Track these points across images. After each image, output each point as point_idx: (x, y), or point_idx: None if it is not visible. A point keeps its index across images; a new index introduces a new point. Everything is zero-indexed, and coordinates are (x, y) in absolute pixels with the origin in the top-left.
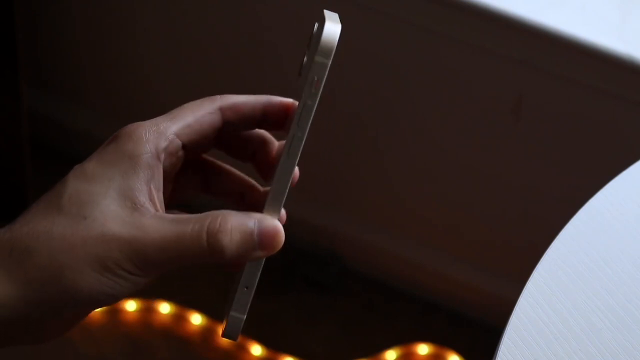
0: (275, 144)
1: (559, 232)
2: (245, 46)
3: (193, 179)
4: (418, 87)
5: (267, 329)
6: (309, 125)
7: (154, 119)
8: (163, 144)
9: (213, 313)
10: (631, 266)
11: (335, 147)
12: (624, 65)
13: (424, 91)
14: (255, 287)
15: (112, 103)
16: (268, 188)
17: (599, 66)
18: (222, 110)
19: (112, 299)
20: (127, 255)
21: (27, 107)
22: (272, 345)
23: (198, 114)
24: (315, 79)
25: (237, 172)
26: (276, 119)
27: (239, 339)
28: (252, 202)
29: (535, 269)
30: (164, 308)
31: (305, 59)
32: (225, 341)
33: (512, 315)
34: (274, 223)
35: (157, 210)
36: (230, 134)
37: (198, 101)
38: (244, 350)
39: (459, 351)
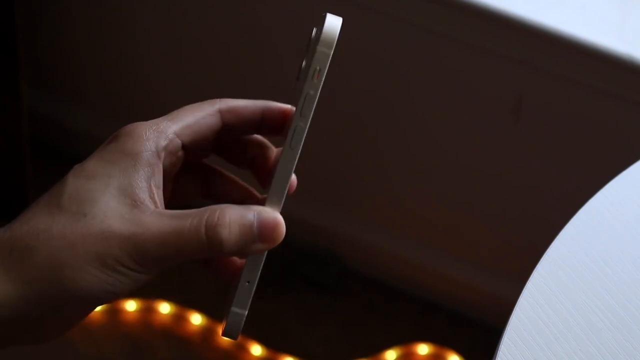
0: (274, 150)
1: (559, 232)
2: (245, 46)
3: (193, 182)
4: (418, 87)
5: (267, 329)
6: (312, 115)
7: (154, 119)
8: (163, 142)
9: (213, 313)
10: (631, 266)
11: (335, 147)
12: (624, 65)
13: (424, 91)
14: (257, 281)
15: (112, 103)
16: (266, 196)
17: (599, 66)
18: (221, 112)
19: (113, 296)
20: (127, 252)
21: (27, 107)
22: (272, 345)
23: (198, 115)
24: (318, 69)
25: (237, 179)
26: (274, 124)
27: (239, 338)
28: None
29: (535, 269)
30: (164, 308)
31: (303, 63)
32: (225, 341)
33: (512, 315)
34: (273, 215)
35: (157, 207)
36: (230, 138)
37: (198, 103)
38: (244, 350)
39: (459, 351)
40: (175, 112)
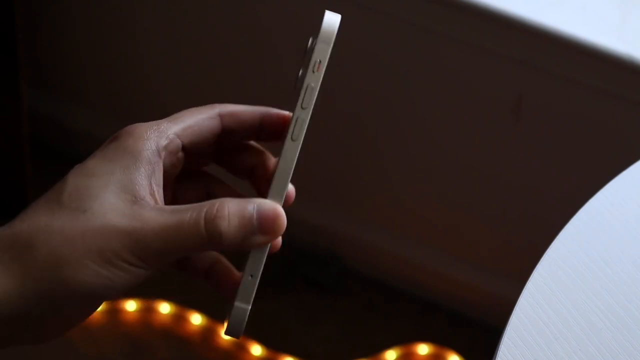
0: (273, 161)
1: (559, 232)
2: (245, 46)
3: (194, 190)
4: (418, 87)
5: (267, 329)
6: (312, 107)
7: (155, 121)
8: (164, 142)
9: (213, 313)
10: (631, 266)
11: (335, 147)
12: (624, 65)
13: (424, 91)
14: (260, 275)
15: (112, 103)
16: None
17: (599, 66)
18: (221, 116)
19: (112, 292)
20: (127, 246)
21: (27, 107)
22: (272, 345)
23: (198, 118)
24: (318, 61)
25: (236, 190)
26: (273, 130)
27: (240, 338)
28: None
29: (535, 269)
30: (164, 308)
31: (300, 72)
32: (225, 341)
33: (512, 315)
34: (273, 206)
35: (157, 204)
36: (229, 143)
37: (198, 107)
38: (244, 350)
39: (459, 351)
40: (175, 115)
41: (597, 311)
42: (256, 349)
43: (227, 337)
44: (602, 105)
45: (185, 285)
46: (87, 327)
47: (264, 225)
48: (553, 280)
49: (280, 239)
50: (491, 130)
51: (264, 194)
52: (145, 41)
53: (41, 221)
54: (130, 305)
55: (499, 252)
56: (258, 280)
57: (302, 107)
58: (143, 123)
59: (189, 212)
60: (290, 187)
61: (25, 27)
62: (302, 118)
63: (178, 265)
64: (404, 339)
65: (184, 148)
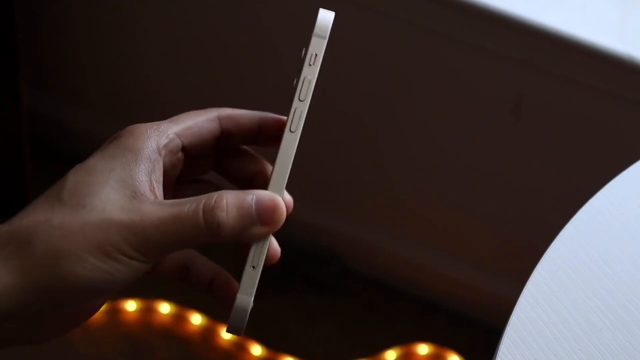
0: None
1: (559, 232)
2: (245, 46)
3: (194, 192)
4: (418, 87)
5: (267, 329)
6: (310, 100)
7: (155, 122)
8: (164, 140)
9: (213, 313)
10: (631, 266)
11: (335, 147)
12: (624, 65)
13: (424, 91)
14: (262, 267)
15: (112, 103)
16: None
17: (599, 66)
18: (220, 119)
19: (112, 286)
20: (126, 239)
21: (27, 107)
22: (272, 345)
23: (198, 119)
24: (314, 54)
25: None
26: (271, 134)
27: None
28: None
29: (535, 269)
30: (164, 308)
31: (295, 82)
32: (225, 341)
33: (512, 315)
34: (272, 196)
35: (157, 199)
36: (228, 148)
37: (197, 110)
38: (244, 350)
39: (459, 351)
40: (175, 117)
41: (597, 311)
42: (256, 349)
43: (228, 336)
44: (602, 105)
45: (185, 285)
46: (87, 327)
47: (262, 215)
48: (553, 280)
49: (279, 249)
50: (491, 130)
51: None
52: (145, 41)
53: (40, 217)
54: (130, 305)
55: (499, 252)
56: (260, 272)
57: (299, 100)
58: (143, 124)
59: (187, 204)
60: (288, 197)
61: (25, 27)
62: (300, 109)
63: (179, 277)
64: (404, 339)
65: (184, 149)
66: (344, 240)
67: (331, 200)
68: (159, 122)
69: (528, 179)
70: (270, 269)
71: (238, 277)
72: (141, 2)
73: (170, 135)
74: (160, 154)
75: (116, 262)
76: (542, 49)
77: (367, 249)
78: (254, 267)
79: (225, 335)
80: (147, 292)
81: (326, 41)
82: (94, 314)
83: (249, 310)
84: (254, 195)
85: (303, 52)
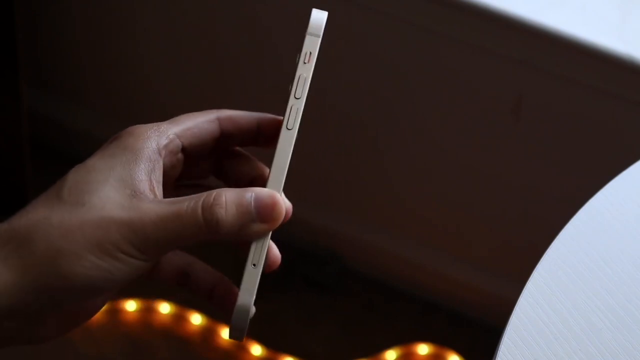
0: None
1: (559, 232)
2: (245, 46)
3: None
4: (418, 87)
5: (267, 329)
6: (305, 97)
7: (155, 122)
8: (164, 141)
9: (213, 313)
10: (631, 266)
11: (335, 147)
12: (624, 65)
13: (424, 91)
14: (262, 265)
15: (112, 103)
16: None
17: (599, 66)
18: (219, 120)
19: (111, 284)
20: (126, 237)
21: (27, 107)
22: (272, 345)
23: (197, 120)
24: (309, 52)
25: None
26: (271, 133)
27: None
28: None
29: (535, 269)
30: (164, 308)
31: (290, 84)
32: (225, 341)
33: (512, 315)
34: (271, 193)
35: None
36: (228, 150)
37: (196, 112)
38: (244, 350)
39: (459, 351)
40: (174, 118)
41: (597, 311)
42: (256, 349)
43: (230, 339)
44: (602, 105)
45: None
46: (87, 327)
47: (262, 212)
48: (553, 280)
49: (279, 255)
50: (491, 130)
51: None
52: (145, 41)
53: (40, 215)
54: (130, 305)
55: (499, 252)
56: (261, 270)
57: (295, 97)
58: (143, 124)
59: (186, 202)
60: (288, 203)
61: (25, 27)
62: (296, 107)
63: (178, 283)
64: (404, 339)
65: (184, 150)
66: (344, 240)
67: (331, 200)
68: (159, 123)
69: (528, 179)
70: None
71: (238, 277)
72: (141, 2)
73: (171, 136)
74: (160, 154)
75: (115, 260)
76: (542, 49)
77: (367, 249)
78: (254, 265)
79: (225, 335)
80: (147, 292)
81: (320, 39)
82: (94, 314)
83: (251, 311)
84: (252, 193)
85: (297, 57)
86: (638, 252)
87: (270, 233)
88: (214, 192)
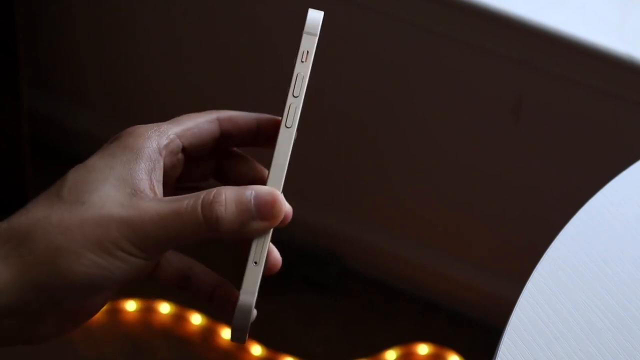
0: None
1: (559, 232)
2: (245, 46)
3: None
4: (418, 87)
5: (267, 329)
6: (304, 95)
7: (155, 123)
8: (164, 141)
9: (213, 313)
10: (631, 266)
11: (335, 147)
12: (624, 65)
13: (424, 91)
14: (264, 262)
15: (112, 103)
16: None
17: (599, 66)
18: (219, 120)
19: (111, 283)
20: (125, 235)
21: (27, 107)
22: (272, 345)
23: (198, 121)
24: (306, 51)
25: None
26: (270, 133)
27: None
28: None
29: (535, 269)
30: (164, 308)
31: (287, 91)
32: (225, 341)
33: (512, 315)
34: (271, 191)
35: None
36: (227, 151)
37: (196, 112)
38: (244, 350)
39: (459, 351)
40: (175, 118)
41: (597, 311)
42: (256, 349)
43: (229, 336)
44: (602, 105)
45: None
46: (87, 327)
47: (262, 210)
48: (553, 280)
49: (280, 258)
50: (491, 130)
51: None
52: (145, 41)
53: (40, 214)
54: (130, 305)
55: (499, 252)
56: (262, 268)
57: (294, 96)
58: (144, 125)
59: (186, 200)
60: (288, 207)
61: (25, 27)
62: (294, 105)
63: (179, 286)
64: (404, 339)
65: (184, 150)
66: (344, 240)
67: (331, 200)
68: (159, 123)
69: (528, 179)
70: None
71: (238, 278)
72: (141, 2)
73: (171, 136)
74: (160, 154)
75: (115, 258)
76: (542, 49)
77: (367, 249)
78: (256, 263)
79: (226, 335)
80: (147, 292)
81: (317, 38)
82: (94, 314)
83: (253, 313)
84: (252, 191)
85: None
86: (638, 252)
87: (272, 231)
88: (214, 190)
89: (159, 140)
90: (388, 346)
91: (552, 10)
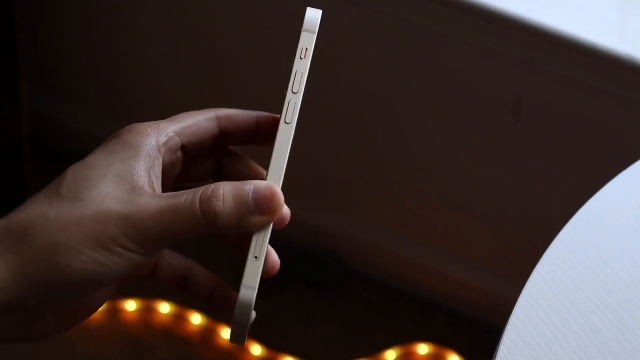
0: None
1: (559, 232)
2: (245, 46)
3: None
4: (418, 87)
5: (266, 329)
6: (303, 92)
7: (154, 121)
8: (163, 138)
9: (213, 313)
10: (631, 266)
11: (335, 147)
12: (624, 65)
13: (424, 91)
14: (264, 257)
15: (112, 103)
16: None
17: (599, 66)
18: (218, 118)
19: (109, 279)
20: (124, 231)
21: (27, 107)
22: (272, 345)
23: (197, 119)
24: (305, 48)
25: None
26: (269, 132)
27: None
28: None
29: (535, 269)
30: (164, 308)
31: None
32: (225, 341)
33: (512, 315)
34: (270, 185)
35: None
36: (226, 150)
37: (195, 111)
38: (244, 350)
39: (459, 351)
40: (174, 116)
41: (597, 311)
42: (256, 349)
43: (232, 343)
44: (602, 105)
45: None
46: (87, 327)
47: (260, 204)
48: (553, 280)
49: (278, 261)
50: (491, 130)
51: None
52: (145, 41)
53: (38, 211)
54: (130, 305)
55: (499, 252)
56: (263, 263)
57: (293, 92)
58: (143, 123)
59: (184, 195)
60: (286, 209)
61: (25, 27)
62: (294, 101)
63: (178, 286)
64: (404, 339)
65: (183, 148)
66: (344, 240)
67: (331, 200)
68: (159, 121)
69: (528, 179)
70: None
71: (237, 279)
72: (141, 2)
73: (170, 134)
74: (159, 152)
75: (113, 254)
76: (542, 49)
77: (367, 249)
78: (256, 258)
79: (225, 335)
80: (147, 292)
81: (315, 35)
82: (93, 312)
83: (254, 300)
84: (251, 185)
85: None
86: (638, 252)
87: (272, 226)
88: (213, 186)
89: (158, 138)
90: (388, 346)
91: (552, 10)
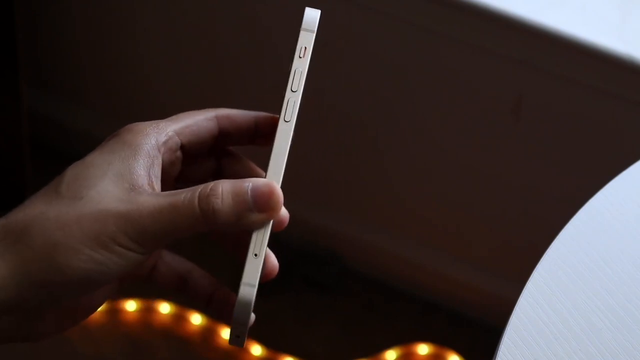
0: None
1: (559, 232)
2: (245, 46)
3: None
4: (418, 87)
5: (266, 329)
6: (302, 90)
7: (154, 120)
8: (163, 138)
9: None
10: (631, 266)
11: (335, 147)
12: (624, 65)
13: (424, 91)
14: (264, 255)
15: (112, 103)
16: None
17: (599, 66)
18: (218, 118)
19: (108, 277)
20: (122, 229)
21: (27, 107)
22: (272, 345)
23: (196, 118)
24: (304, 47)
25: None
26: (268, 131)
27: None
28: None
29: (535, 269)
30: (164, 308)
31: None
32: (225, 341)
33: (512, 315)
34: (268, 183)
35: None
36: (226, 150)
37: (195, 110)
38: (244, 350)
39: (459, 351)
40: (173, 116)
41: (597, 311)
42: (256, 349)
43: (231, 345)
44: (602, 105)
45: None
46: (87, 327)
47: (259, 201)
48: (553, 280)
49: (277, 264)
50: (491, 130)
51: None
52: (145, 41)
53: (37, 210)
54: (130, 305)
55: (499, 252)
56: (262, 261)
57: (292, 90)
58: (142, 122)
59: (183, 194)
60: (285, 212)
61: (25, 27)
62: (293, 100)
63: (177, 289)
64: (404, 339)
65: (183, 147)
66: (344, 240)
67: (331, 200)
68: (158, 120)
69: (528, 179)
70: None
71: (236, 280)
72: (141, 2)
73: (170, 133)
74: (159, 151)
75: (112, 253)
76: (542, 49)
77: (367, 249)
78: (256, 255)
79: (225, 335)
80: (147, 292)
81: (314, 34)
82: (92, 311)
83: (254, 298)
84: (250, 183)
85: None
86: (638, 252)
87: (271, 223)
88: (211, 183)
89: (157, 137)
90: (388, 346)
91: (552, 10)
